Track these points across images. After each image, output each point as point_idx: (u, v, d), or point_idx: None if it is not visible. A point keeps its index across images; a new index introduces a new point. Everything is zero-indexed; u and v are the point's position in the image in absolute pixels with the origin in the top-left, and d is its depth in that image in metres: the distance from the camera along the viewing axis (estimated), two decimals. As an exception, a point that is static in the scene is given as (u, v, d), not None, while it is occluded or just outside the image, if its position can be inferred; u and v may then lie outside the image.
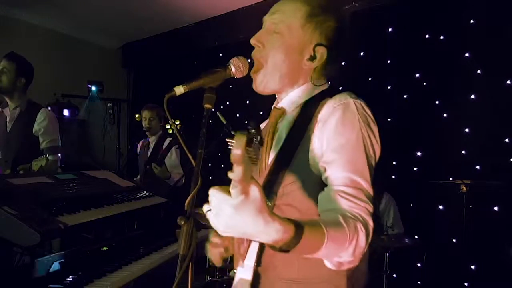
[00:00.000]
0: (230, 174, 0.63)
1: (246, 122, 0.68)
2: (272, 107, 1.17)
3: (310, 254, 0.78)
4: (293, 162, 1.00)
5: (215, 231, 1.09)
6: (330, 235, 0.77)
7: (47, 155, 2.54)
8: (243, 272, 0.97)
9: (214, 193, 0.67)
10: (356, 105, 0.99)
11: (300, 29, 1.07)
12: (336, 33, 1.09)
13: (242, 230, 0.68)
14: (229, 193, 0.65)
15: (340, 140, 0.95)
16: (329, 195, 0.92)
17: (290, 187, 1.00)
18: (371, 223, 0.88)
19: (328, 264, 0.86)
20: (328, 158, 0.95)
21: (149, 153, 3.78)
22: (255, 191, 0.64)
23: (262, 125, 1.30)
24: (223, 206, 0.65)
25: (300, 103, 1.10)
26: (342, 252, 0.81)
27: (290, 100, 1.11)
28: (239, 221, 0.65)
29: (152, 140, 3.80)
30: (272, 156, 1.07)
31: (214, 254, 1.13)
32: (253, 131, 0.62)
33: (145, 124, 3.73)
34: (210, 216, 0.69)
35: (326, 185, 0.95)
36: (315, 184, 0.98)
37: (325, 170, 0.96)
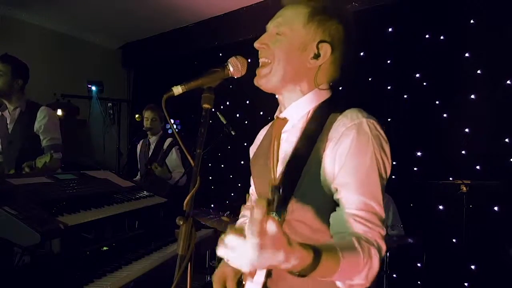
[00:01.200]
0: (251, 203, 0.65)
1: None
2: (275, 117, 1.17)
3: (325, 277, 0.80)
4: (302, 179, 1.00)
5: (220, 280, 1.15)
6: (346, 261, 0.79)
7: (51, 152, 2.55)
8: (253, 287, 0.98)
9: (232, 240, 0.67)
10: (369, 126, 0.98)
11: (303, 28, 1.07)
12: (339, 31, 1.09)
13: (265, 265, 0.69)
14: (243, 233, 0.67)
15: (354, 162, 0.95)
16: (342, 218, 0.93)
17: (300, 203, 1.00)
18: (384, 247, 0.90)
19: (339, 284, 0.88)
20: (341, 181, 0.95)
21: (149, 153, 3.78)
22: (272, 226, 0.66)
23: (263, 132, 1.30)
24: (244, 249, 0.66)
25: (304, 113, 1.09)
26: (355, 276, 0.84)
27: (294, 109, 1.10)
28: (263, 259, 0.66)
29: (153, 140, 3.81)
30: (279, 169, 1.07)
31: None
32: (273, 195, 0.67)
33: (146, 124, 3.73)
34: (233, 262, 0.69)
35: (337, 204, 0.96)
36: (325, 202, 0.99)
37: (337, 191, 0.96)
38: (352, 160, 0.95)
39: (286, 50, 1.06)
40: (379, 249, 0.88)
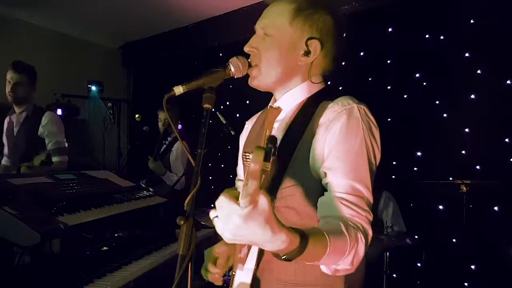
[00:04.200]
0: (240, 184, 0.63)
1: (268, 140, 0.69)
2: (268, 106, 1.17)
3: (311, 262, 0.80)
4: (291, 165, 1.00)
5: (211, 259, 1.11)
6: (333, 246, 0.78)
7: (44, 153, 2.65)
8: (243, 275, 0.98)
9: (222, 201, 0.67)
10: (360, 111, 0.99)
11: (289, 27, 1.06)
12: (327, 22, 1.08)
13: (249, 239, 0.68)
14: (236, 199, 0.65)
15: (344, 147, 0.95)
16: (330, 201, 0.93)
17: (289, 190, 1.00)
18: (370, 232, 0.90)
19: (324, 269, 0.87)
20: (331, 164, 0.95)
21: (160, 151, 3.75)
22: (263, 201, 0.64)
23: (251, 122, 1.31)
24: (232, 215, 0.65)
25: (297, 103, 1.09)
26: (341, 261, 0.83)
27: (287, 99, 1.11)
28: (247, 230, 0.65)
29: (169, 140, 3.78)
30: None
31: (213, 279, 1.14)
32: (270, 145, 0.64)
33: (160, 125, 3.71)
34: (217, 224, 0.69)
35: (325, 190, 0.96)
36: (314, 188, 0.98)
37: (325, 175, 0.96)
38: (342, 144, 0.95)
39: (276, 52, 1.06)
40: (365, 234, 0.87)
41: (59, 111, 4.43)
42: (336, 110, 0.99)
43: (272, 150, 0.66)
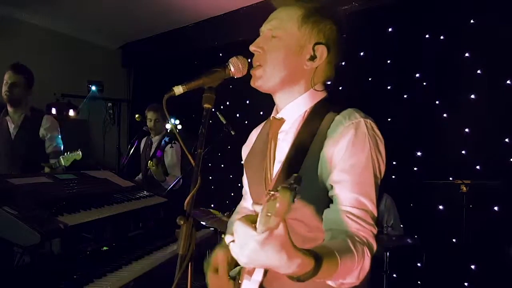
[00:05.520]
0: (258, 208, 0.67)
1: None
2: (271, 117, 1.17)
3: (321, 280, 0.81)
4: None
5: (211, 267, 1.08)
6: (343, 264, 0.80)
7: (79, 151, 2.75)
8: (250, 286, 0.98)
9: (239, 226, 0.68)
10: (367, 125, 1.00)
11: (297, 31, 1.07)
12: (334, 31, 1.10)
13: (265, 263, 0.70)
14: (253, 224, 0.67)
15: (350, 161, 0.96)
16: (336, 215, 0.94)
17: (297, 202, 1.00)
18: (375, 246, 0.92)
19: (330, 283, 0.88)
20: (337, 178, 0.96)
21: (151, 152, 3.77)
22: (279, 227, 0.66)
23: (255, 133, 1.31)
24: (248, 240, 0.66)
25: (300, 113, 1.09)
26: (348, 276, 0.85)
27: (290, 110, 1.11)
28: (263, 255, 0.67)
29: (155, 140, 3.80)
30: (276, 168, 1.07)
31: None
32: (295, 185, 0.65)
33: (149, 125, 3.72)
34: (234, 248, 0.70)
35: (332, 201, 0.97)
36: (322, 200, 0.99)
37: (332, 188, 0.97)
38: (349, 158, 0.97)
39: (282, 53, 1.07)
40: (371, 249, 0.90)
41: (53, 111, 4.43)
42: (343, 124, 1.00)
43: (297, 189, 0.68)
